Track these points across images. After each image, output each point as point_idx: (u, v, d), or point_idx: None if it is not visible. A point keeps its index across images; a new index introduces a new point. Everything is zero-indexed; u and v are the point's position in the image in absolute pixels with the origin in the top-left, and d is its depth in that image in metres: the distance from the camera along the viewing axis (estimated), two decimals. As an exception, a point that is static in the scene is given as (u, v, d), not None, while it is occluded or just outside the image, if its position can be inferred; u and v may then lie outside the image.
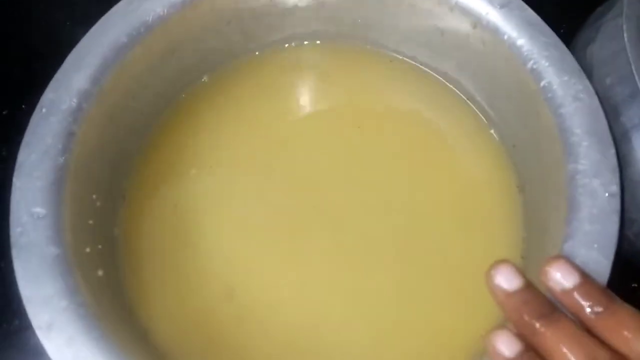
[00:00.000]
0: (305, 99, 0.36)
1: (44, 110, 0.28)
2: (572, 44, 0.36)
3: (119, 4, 0.30)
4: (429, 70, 0.35)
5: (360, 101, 0.35)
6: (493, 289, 0.23)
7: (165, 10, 0.31)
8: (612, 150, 0.25)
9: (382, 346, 0.30)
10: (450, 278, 0.30)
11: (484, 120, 0.33)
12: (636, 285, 0.36)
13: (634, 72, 0.27)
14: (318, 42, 0.36)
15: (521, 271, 0.23)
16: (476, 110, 0.34)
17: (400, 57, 0.35)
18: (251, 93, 0.35)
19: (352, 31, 0.35)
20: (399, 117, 0.34)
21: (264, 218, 0.32)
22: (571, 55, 0.26)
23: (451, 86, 0.34)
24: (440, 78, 0.35)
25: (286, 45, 0.36)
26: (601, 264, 0.23)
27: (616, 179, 0.24)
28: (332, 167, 0.33)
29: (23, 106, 0.38)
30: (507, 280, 0.23)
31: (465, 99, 0.34)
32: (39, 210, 0.26)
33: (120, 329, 0.27)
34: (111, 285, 0.29)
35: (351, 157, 0.34)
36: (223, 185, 0.33)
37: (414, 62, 0.35)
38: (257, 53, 0.36)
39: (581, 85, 0.26)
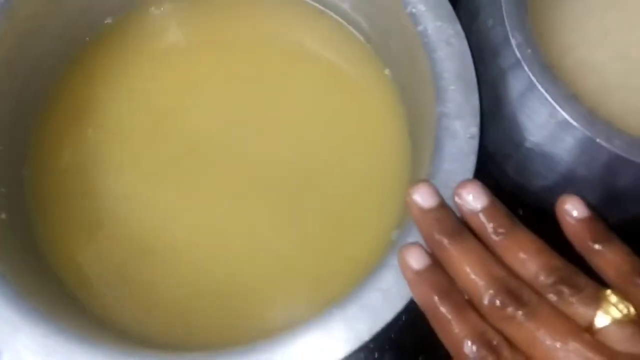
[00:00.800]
0: (204, 44, 0.36)
1: None
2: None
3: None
4: (328, 11, 0.35)
5: (258, 43, 0.36)
6: (409, 205, 0.25)
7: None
8: (476, 95, 0.26)
9: (279, 272, 0.33)
10: (339, 208, 0.32)
11: (380, 60, 0.35)
12: (521, 211, 0.39)
13: (505, 17, 0.29)
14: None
15: (437, 191, 0.25)
16: (372, 50, 0.35)
17: (301, -1, 0.36)
18: (157, 39, 0.36)
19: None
20: (298, 58, 0.35)
21: (163, 159, 0.34)
22: (446, 0, 0.28)
23: (350, 27, 0.35)
24: (340, 19, 0.35)
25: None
26: (457, 199, 0.25)
27: (476, 122, 0.26)
28: (227, 109, 0.35)
29: None
30: (423, 198, 0.24)
31: (363, 39, 0.35)
32: None
33: (25, 271, 0.28)
34: (16, 228, 0.30)
35: (247, 97, 0.35)
36: (124, 131, 0.34)
37: (314, 3, 0.36)
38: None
39: (453, 30, 0.27)
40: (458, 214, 0.24)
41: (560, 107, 0.27)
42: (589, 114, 0.27)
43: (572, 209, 0.24)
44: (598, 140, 0.26)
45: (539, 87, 0.27)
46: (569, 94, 0.28)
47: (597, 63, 0.34)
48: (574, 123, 0.27)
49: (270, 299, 0.33)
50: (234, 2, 0.37)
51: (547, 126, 0.29)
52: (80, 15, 0.34)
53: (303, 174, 0.34)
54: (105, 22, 0.35)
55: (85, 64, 0.35)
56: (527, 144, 0.31)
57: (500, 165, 0.34)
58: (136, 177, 0.34)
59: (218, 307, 0.33)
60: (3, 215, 0.29)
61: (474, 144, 0.26)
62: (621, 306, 0.21)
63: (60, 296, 0.31)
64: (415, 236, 0.25)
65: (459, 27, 0.27)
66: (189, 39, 0.37)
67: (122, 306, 0.32)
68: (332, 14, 0.35)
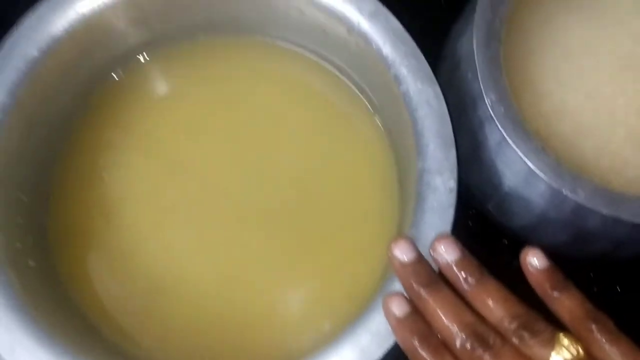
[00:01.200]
0: (209, 90, 0.39)
1: (-36, 125, 0.31)
2: (450, 34, 0.40)
3: (27, 19, 0.33)
4: (323, 62, 0.38)
5: (257, 90, 0.39)
6: (391, 259, 0.28)
7: (71, 23, 0.33)
8: (453, 152, 0.29)
9: (279, 298, 0.36)
10: (334, 242, 0.36)
11: (370, 108, 0.38)
12: (506, 241, 0.42)
13: (479, 76, 0.31)
14: (220, 36, 0.39)
15: (415, 246, 0.28)
16: (362, 97, 0.38)
17: (298, 50, 0.39)
18: (159, 88, 0.39)
19: (251, 26, 0.38)
20: (294, 102, 0.39)
21: (173, 199, 0.37)
22: (426, 64, 0.31)
23: (344, 78, 0.38)
24: (334, 70, 0.38)
25: (187, 39, 0.39)
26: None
27: (454, 176, 0.29)
28: (231, 150, 0.38)
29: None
30: (402, 252, 0.27)
31: (354, 88, 0.38)
32: (-30, 219, 0.30)
33: (54, 311, 0.32)
34: (43, 272, 0.33)
35: (250, 138, 0.38)
36: (137, 174, 0.37)
37: (309, 54, 0.39)
38: (163, 48, 0.39)
39: (432, 91, 0.30)
40: (435, 266, 0.28)
41: (530, 160, 0.30)
42: (557, 166, 0.30)
43: (534, 260, 0.27)
44: (564, 191, 0.29)
45: (510, 142, 0.30)
46: (538, 148, 0.31)
47: (572, 106, 0.37)
48: (542, 175, 0.30)
49: (277, 328, 0.36)
50: (233, 48, 0.40)
51: (520, 174, 0.32)
52: (90, 74, 0.37)
53: (302, 211, 0.37)
54: (113, 75, 0.39)
55: (98, 115, 0.38)
56: (505, 188, 0.34)
57: (482, 204, 0.37)
58: (150, 217, 0.37)
59: (228, 335, 0.36)
60: (31, 263, 0.33)
61: (453, 196, 0.29)
62: (572, 348, 0.24)
63: (83, 329, 0.34)
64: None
65: (438, 89, 0.30)
66: (192, 85, 0.40)
67: (139, 336, 0.35)
68: (327, 65, 0.38)
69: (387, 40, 0.31)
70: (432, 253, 0.27)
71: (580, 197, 0.29)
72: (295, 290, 0.36)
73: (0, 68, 0.32)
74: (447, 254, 0.27)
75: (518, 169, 0.32)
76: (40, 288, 0.32)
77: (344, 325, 0.29)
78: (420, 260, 0.27)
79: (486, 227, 0.39)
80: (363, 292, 0.33)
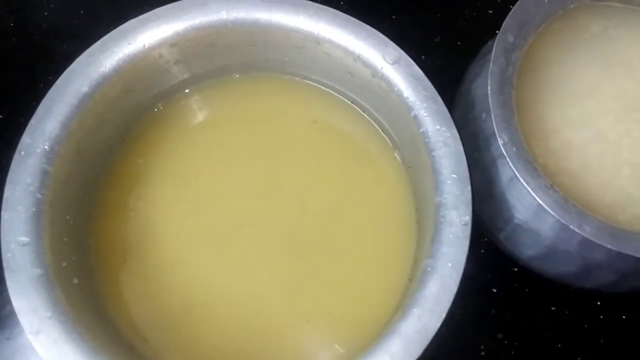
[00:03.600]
0: (240, 124, 0.42)
1: (22, 152, 0.34)
2: (466, 74, 0.42)
3: (80, 58, 0.36)
4: (347, 101, 0.41)
5: (286, 124, 0.42)
6: None
7: (119, 62, 0.37)
8: (469, 188, 0.32)
9: (300, 323, 0.38)
10: (352, 269, 0.38)
11: (390, 143, 0.40)
12: (516, 269, 0.44)
13: (492, 117, 0.34)
14: (252, 74, 0.42)
15: None
16: (383, 134, 0.41)
17: (324, 88, 0.42)
18: (196, 120, 0.42)
19: (281, 66, 0.41)
20: (320, 138, 0.41)
21: (207, 227, 0.40)
22: (445, 107, 0.33)
23: (365, 115, 0.41)
24: (358, 109, 0.41)
25: (223, 77, 0.42)
26: (452, 277, 0.30)
27: (469, 211, 0.31)
28: (257, 179, 0.41)
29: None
30: None
31: (376, 125, 0.41)
32: (23, 238, 0.33)
33: (95, 328, 0.34)
34: (85, 290, 0.36)
35: (275, 168, 0.41)
36: (172, 199, 0.40)
37: (334, 93, 0.42)
38: (200, 85, 0.42)
39: (450, 133, 0.33)
40: None
41: (538, 197, 0.32)
42: (564, 202, 0.33)
43: None
44: (571, 226, 0.32)
45: (521, 179, 0.33)
46: (547, 185, 0.33)
47: (578, 145, 0.40)
48: (550, 211, 0.32)
49: (300, 346, 0.38)
50: (265, 86, 0.43)
51: (530, 208, 0.35)
52: (133, 107, 0.40)
53: (325, 240, 0.40)
54: (154, 109, 0.42)
55: (137, 146, 0.41)
56: (516, 220, 0.36)
57: (494, 235, 0.40)
58: (181, 241, 0.40)
59: (255, 352, 0.38)
60: (75, 280, 0.35)
61: (468, 228, 0.31)
62: None
63: (118, 344, 0.37)
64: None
65: (455, 130, 0.33)
66: (221, 117, 0.43)
67: (170, 352, 0.38)
68: (351, 104, 0.41)
69: (408, 85, 0.34)
70: None
71: (586, 231, 0.32)
72: (315, 315, 0.38)
73: (54, 101, 0.35)
74: None
75: (528, 203, 0.34)
76: (83, 304, 0.35)
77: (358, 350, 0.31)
78: None
79: (497, 255, 0.42)
80: (378, 319, 0.35)
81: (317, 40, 0.37)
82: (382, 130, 0.40)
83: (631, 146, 0.40)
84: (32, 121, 0.35)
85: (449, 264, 0.30)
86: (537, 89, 0.40)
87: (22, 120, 0.35)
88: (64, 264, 0.35)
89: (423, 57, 0.45)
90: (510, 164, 0.33)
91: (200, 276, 0.39)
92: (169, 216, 0.40)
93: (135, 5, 0.37)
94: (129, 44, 0.36)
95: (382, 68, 0.35)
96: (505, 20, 0.36)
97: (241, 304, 0.39)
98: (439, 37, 0.49)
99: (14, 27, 0.48)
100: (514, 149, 0.33)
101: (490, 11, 0.49)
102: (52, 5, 0.48)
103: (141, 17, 0.37)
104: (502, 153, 0.33)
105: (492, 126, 0.35)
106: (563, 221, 0.32)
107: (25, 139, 0.35)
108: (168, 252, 0.40)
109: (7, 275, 0.32)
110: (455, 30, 0.49)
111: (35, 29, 0.47)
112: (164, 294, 0.39)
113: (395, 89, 0.34)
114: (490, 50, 0.38)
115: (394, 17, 0.49)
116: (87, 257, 0.39)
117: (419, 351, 0.29)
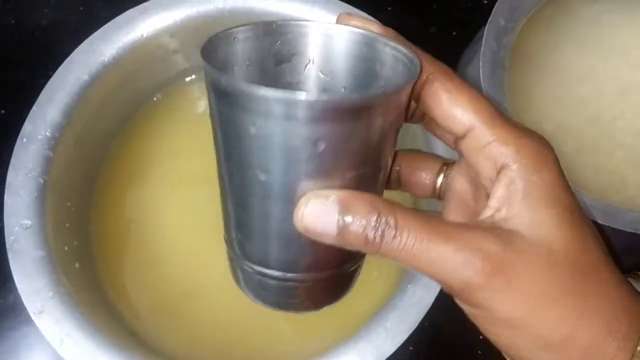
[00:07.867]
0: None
1: (24, 139, 0.35)
2: (460, 60, 0.43)
3: (80, 47, 0.37)
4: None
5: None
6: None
7: (118, 51, 0.37)
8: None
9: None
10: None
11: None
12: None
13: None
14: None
15: None
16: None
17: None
18: (195, 110, 0.43)
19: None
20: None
21: (208, 214, 0.40)
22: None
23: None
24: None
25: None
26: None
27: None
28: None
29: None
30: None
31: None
32: (26, 221, 0.34)
33: (95, 309, 0.35)
34: (86, 274, 0.37)
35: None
36: (170, 186, 0.41)
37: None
38: (200, 74, 0.43)
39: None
40: None
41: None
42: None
43: None
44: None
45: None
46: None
47: (573, 128, 0.40)
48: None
49: (293, 333, 0.39)
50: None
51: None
52: (132, 97, 0.41)
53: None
54: (153, 98, 0.42)
55: (137, 134, 0.42)
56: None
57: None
58: (180, 229, 0.40)
59: (252, 337, 0.39)
60: (77, 265, 0.36)
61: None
62: None
63: (118, 326, 0.38)
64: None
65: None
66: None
67: (169, 337, 0.39)
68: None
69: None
70: None
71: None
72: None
73: (56, 89, 0.36)
74: None
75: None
76: (85, 288, 0.36)
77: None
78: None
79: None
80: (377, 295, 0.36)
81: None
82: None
83: (625, 129, 0.40)
84: (34, 108, 0.36)
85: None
86: (531, 73, 0.40)
87: (23, 115, 0.35)
88: (66, 248, 0.36)
89: (419, 47, 0.46)
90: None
91: (199, 263, 0.40)
92: (168, 205, 0.41)
93: (134, 2, 0.37)
94: (128, 33, 0.37)
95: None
96: (496, 4, 0.37)
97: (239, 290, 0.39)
98: (434, 28, 0.49)
99: (14, 24, 0.48)
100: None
101: (485, 1, 0.50)
102: (52, 3, 0.49)
103: (140, 6, 0.38)
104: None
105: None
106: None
107: (27, 126, 0.35)
108: (167, 241, 0.40)
109: (10, 256, 0.33)
110: (450, 20, 0.49)
111: (35, 26, 0.48)
112: (163, 281, 0.40)
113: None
114: (483, 36, 0.39)
115: (389, 8, 0.50)
116: (88, 243, 0.39)
117: (413, 325, 0.30)
